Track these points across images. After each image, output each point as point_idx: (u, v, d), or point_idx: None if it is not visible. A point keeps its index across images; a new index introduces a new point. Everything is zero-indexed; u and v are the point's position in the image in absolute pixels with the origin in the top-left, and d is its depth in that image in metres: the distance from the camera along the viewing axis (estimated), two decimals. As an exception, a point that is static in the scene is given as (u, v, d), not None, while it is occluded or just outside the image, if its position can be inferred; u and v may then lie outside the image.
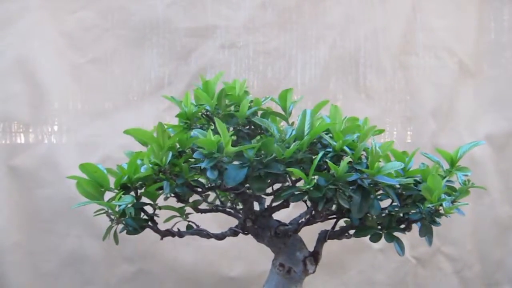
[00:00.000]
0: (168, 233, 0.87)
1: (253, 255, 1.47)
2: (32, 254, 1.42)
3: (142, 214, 0.84)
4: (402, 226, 0.85)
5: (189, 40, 1.49)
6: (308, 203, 0.86)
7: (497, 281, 1.66)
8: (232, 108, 0.88)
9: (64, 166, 1.42)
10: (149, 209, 0.86)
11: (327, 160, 0.76)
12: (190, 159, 0.80)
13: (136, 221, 0.81)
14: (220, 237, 0.90)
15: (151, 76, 1.50)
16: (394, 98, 1.60)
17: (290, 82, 1.54)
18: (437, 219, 0.82)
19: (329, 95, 1.56)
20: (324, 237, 0.89)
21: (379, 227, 0.84)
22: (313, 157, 0.77)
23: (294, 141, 0.77)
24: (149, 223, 0.85)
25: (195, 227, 0.92)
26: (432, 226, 0.82)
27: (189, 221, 0.93)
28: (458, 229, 1.62)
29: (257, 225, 0.88)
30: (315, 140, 0.80)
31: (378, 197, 0.82)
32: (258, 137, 0.87)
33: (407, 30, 1.60)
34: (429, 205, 0.80)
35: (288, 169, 0.74)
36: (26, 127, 1.43)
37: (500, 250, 1.66)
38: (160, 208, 0.87)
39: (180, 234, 0.88)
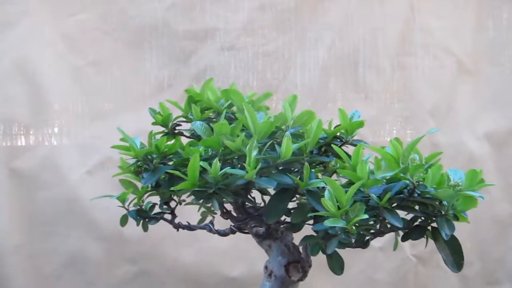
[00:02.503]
0: (179, 226, 0.91)
1: (253, 256, 1.47)
2: (34, 256, 1.43)
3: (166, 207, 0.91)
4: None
5: (189, 42, 1.50)
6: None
7: (497, 279, 1.66)
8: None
9: (65, 168, 1.43)
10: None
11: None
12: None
13: (139, 213, 0.88)
14: (222, 233, 0.91)
15: (151, 78, 1.50)
16: (393, 98, 1.60)
17: (289, 82, 1.55)
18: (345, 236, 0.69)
19: (328, 95, 1.57)
20: (306, 244, 0.83)
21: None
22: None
23: None
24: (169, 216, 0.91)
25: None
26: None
27: (214, 216, 0.95)
28: (457, 227, 1.62)
29: (249, 225, 0.88)
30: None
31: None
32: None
33: (405, 30, 1.60)
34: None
35: (170, 171, 0.77)
36: (27, 129, 1.44)
37: (500, 248, 1.66)
38: (180, 203, 0.92)
39: (190, 228, 0.92)
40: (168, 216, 0.91)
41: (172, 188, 0.75)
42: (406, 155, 0.70)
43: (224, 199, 0.76)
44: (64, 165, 1.43)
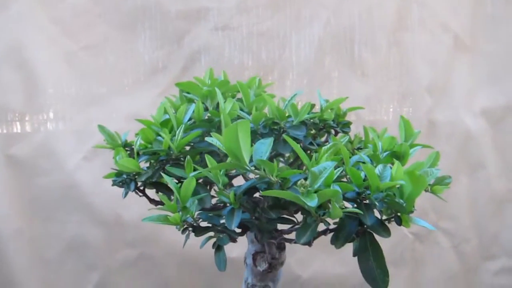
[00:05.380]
0: None
1: (252, 236, 1.48)
2: (34, 241, 1.44)
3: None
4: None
5: (182, 23, 1.48)
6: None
7: (493, 254, 1.68)
8: None
9: (62, 154, 1.42)
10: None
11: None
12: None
13: None
14: None
15: (145, 60, 1.48)
16: (389, 75, 1.59)
17: (285, 62, 1.53)
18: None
19: (324, 74, 1.56)
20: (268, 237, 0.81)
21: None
22: None
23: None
24: None
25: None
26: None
27: None
28: (454, 204, 1.64)
29: None
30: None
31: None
32: None
33: (401, 6, 1.58)
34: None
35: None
36: (22, 115, 1.42)
37: (496, 223, 1.68)
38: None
39: None
40: None
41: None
42: (234, 148, 0.60)
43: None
44: (60, 150, 1.43)
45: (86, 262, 1.47)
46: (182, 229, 0.71)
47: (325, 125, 0.89)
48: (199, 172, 0.68)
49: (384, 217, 0.67)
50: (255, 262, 0.86)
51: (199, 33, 1.49)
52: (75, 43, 1.45)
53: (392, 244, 1.60)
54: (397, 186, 0.63)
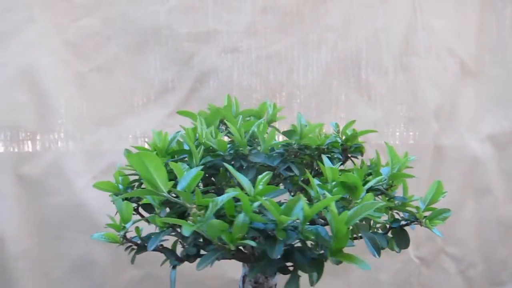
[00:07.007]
0: None
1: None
2: (42, 261, 1.44)
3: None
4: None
5: (191, 45, 1.50)
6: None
7: (501, 280, 1.66)
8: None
9: (71, 173, 1.44)
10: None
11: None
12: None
13: None
14: None
15: (154, 82, 1.50)
16: (396, 99, 1.60)
17: (292, 85, 1.55)
18: None
19: (331, 97, 1.57)
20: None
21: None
22: None
23: None
24: None
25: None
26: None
27: None
28: (461, 229, 1.63)
29: None
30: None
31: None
32: None
33: (408, 31, 1.60)
34: None
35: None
36: (33, 135, 1.44)
37: (504, 249, 1.66)
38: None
39: None
40: None
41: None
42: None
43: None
44: (70, 170, 1.44)
45: (93, 282, 1.47)
46: (125, 248, 0.77)
47: (323, 151, 0.85)
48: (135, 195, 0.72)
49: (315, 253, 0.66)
50: (244, 285, 0.87)
51: (208, 56, 1.51)
52: (85, 64, 1.47)
53: (398, 268, 1.59)
54: (298, 219, 0.62)
